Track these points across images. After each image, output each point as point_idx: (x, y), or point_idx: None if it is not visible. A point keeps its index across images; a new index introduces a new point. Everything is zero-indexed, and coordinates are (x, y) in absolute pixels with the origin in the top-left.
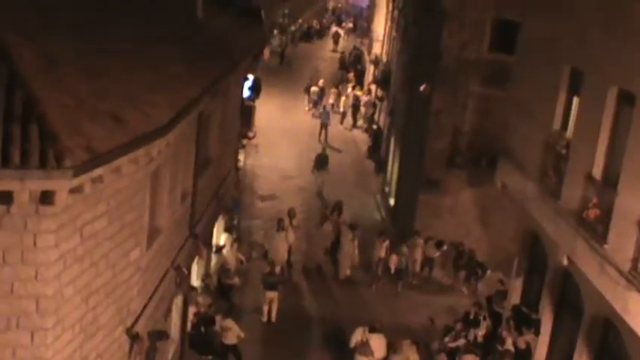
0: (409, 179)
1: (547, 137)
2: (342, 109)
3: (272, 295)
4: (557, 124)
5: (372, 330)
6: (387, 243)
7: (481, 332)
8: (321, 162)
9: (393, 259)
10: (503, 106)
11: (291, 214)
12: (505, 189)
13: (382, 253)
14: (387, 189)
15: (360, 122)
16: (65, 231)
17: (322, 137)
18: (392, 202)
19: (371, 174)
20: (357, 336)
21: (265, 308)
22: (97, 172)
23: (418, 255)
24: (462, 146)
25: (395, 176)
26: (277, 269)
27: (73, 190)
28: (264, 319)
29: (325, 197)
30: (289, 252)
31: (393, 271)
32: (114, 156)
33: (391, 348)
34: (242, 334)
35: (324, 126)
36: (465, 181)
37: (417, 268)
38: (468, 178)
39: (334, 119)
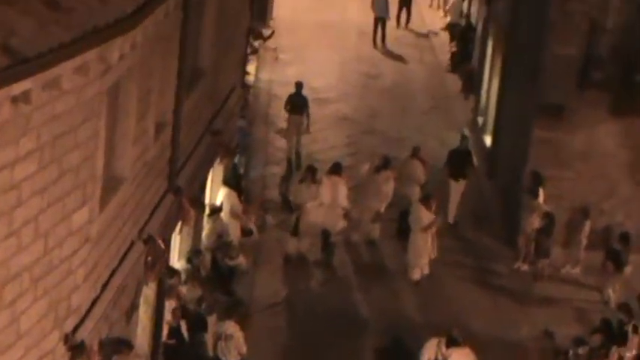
0: (516, 106)
1: None
2: None
3: (297, 120)
4: None
5: (451, 342)
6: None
7: (630, 353)
8: None
9: None
10: None
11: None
12: None
13: None
14: (480, 120)
15: (439, 14)
16: None
17: (378, 38)
18: (488, 141)
19: (456, 97)
20: (429, 351)
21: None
22: (20, 85)
23: (533, 224)
24: (603, 53)
25: (494, 100)
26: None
27: None
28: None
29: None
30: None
31: None
32: (48, 61)
33: None
34: (244, 349)
35: (381, 21)
36: (606, 108)
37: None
38: (612, 103)
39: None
